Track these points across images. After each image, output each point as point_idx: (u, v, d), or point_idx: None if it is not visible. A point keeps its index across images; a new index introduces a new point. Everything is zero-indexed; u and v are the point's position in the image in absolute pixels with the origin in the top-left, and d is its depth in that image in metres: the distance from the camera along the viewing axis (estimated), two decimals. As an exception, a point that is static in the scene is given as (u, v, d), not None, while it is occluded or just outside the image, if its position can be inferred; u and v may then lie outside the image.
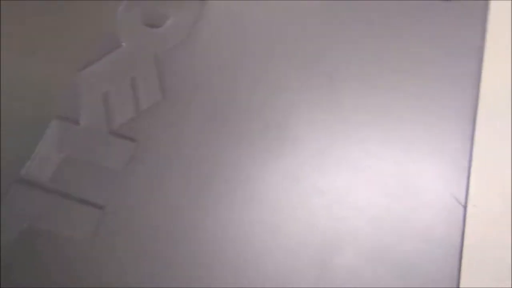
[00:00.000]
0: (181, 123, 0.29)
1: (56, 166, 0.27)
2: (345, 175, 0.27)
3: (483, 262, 0.26)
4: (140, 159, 0.27)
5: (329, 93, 0.29)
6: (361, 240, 0.26)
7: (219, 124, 0.29)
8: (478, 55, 0.30)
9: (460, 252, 0.25)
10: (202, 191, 0.27)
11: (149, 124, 0.28)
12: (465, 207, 0.26)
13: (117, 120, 0.29)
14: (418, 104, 0.29)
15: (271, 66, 0.30)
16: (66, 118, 0.29)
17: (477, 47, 0.30)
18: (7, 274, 0.25)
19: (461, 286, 0.25)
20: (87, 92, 0.30)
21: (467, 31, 0.31)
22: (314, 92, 0.29)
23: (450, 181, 0.27)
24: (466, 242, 0.26)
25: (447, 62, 0.30)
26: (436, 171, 0.27)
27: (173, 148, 0.28)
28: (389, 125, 0.29)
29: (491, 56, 0.30)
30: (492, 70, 0.30)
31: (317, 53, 0.31)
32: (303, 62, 0.30)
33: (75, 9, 0.32)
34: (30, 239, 0.25)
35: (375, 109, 0.29)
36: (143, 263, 0.25)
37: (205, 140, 0.28)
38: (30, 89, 0.30)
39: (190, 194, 0.27)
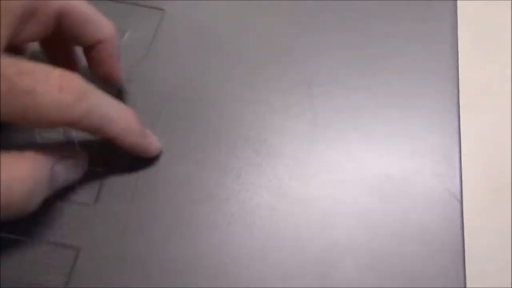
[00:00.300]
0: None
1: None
2: (331, 183, 0.26)
3: (482, 256, 0.25)
4: (110, 188, 0.25)
5: (307, 100, 0.28)
6: (358, 249, 0.24)
7: (193, 140, 0.27)
8: (452, 48, 0.30)
9: (463, 249, 0.24)
10: (180, 215, 0.25)
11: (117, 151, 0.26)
12: (461, 201, 0.25)
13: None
14: (399, 103, 0.28)
15: (242, 74, 0.29)
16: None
17: (451, 40, 0.30)
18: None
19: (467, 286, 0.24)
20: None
21: (439, 26, 0.30)
22: (291, 100, 0.28)
23: (442, 176, 0.26)
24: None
25: (424, 59, 0.29)
26: (426, 168, 0.26)
27: (145, 170, 0.26)
28: (371, 127, 0.27)
29: (465, 49, 0.30)
30: (467, 62, 0.29)
31: (291, 60, 0.29)
32: (277, 69, 0.29)
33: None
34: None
35: (355, 112, 0.28)
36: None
37: (179, 158, 0.26)
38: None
39: (168, 220, 0.24)
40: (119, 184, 0.25)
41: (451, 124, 0.27)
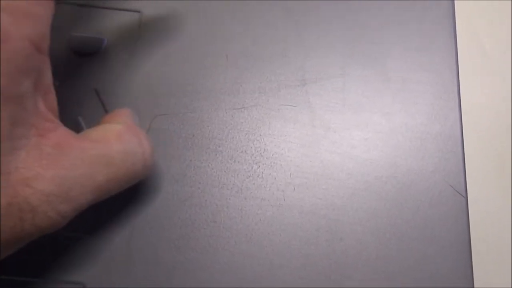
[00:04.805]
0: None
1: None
2: (334, 190, 0.25)
3: (490, 253, 0.25)
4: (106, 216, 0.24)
5: (303, 99, 0.27)
6: (369, 256, 0.24)
7: (188, 157, 0.25)
8: (451, 38, 0.28)
9: (469, 246, 0.24)
10: (183, 241, 0.24)
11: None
12: (466, 198, 0.25)
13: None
14: (397, 93, 0.27)
15: (231, 78, 0.27)
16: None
17: (449, 32, 0.28)
18: None
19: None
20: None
21: (436, 15, 0.29)
22: (286, 101, 0.27)
23: (446, 173, 0.25)
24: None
25: (421, 47, 0.28)
26: (429, 165, 0.26)
27: (142, 193, 0.25)
28: (370, 122, 0.26)
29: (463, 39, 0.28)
30: (466, 48, 0.28)
31: (283, 58, 0.27)
32: (268, 67, 0.27)
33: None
34: None
35: (353, 107, 0.27)
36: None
37: (174, 179, 0.25)
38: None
39: (172, 247, 0.24)
40: (115, 213, 0.24)
41: (452, 113, 0.26)
